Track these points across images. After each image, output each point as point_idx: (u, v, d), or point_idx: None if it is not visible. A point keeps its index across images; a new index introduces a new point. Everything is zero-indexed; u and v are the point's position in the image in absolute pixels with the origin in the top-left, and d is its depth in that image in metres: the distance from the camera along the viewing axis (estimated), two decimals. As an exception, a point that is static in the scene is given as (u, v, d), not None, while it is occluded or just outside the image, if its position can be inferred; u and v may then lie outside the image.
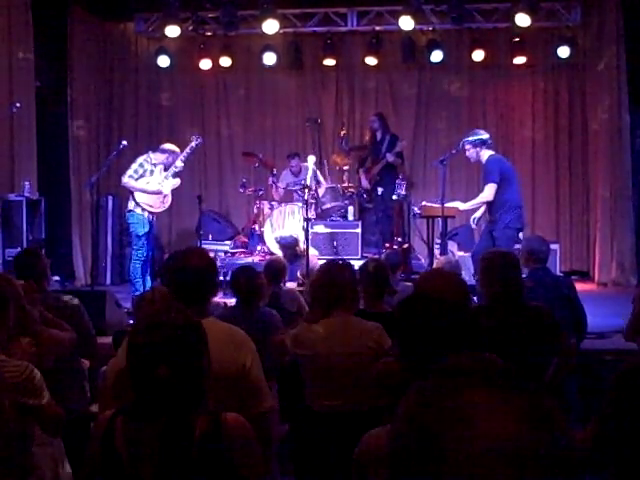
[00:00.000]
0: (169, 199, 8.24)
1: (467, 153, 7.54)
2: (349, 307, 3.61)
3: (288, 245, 8.68)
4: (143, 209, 8.03)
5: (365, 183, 10.12)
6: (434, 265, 6.15)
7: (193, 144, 8.42)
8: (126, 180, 8.09)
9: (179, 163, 8.29)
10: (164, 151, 8.27)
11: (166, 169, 8.24)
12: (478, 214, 7.70)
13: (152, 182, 8.12)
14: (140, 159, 8.20)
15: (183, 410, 2.03)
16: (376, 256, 8.19)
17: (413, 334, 2.17)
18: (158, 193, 8.11)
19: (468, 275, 6.93)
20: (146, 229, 8.06)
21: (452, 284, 2.92)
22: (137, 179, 8.06)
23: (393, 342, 2.33)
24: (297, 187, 9.45)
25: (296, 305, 5.34)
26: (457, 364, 1.17)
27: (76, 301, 4.34)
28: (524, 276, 5.32)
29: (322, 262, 4.75)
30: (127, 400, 2.60)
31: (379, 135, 10.11)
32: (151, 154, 8.27)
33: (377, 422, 3.30)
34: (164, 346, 2.04)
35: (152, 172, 8.16)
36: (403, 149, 10.07)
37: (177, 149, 8.31)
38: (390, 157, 9.80)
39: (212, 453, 2.02)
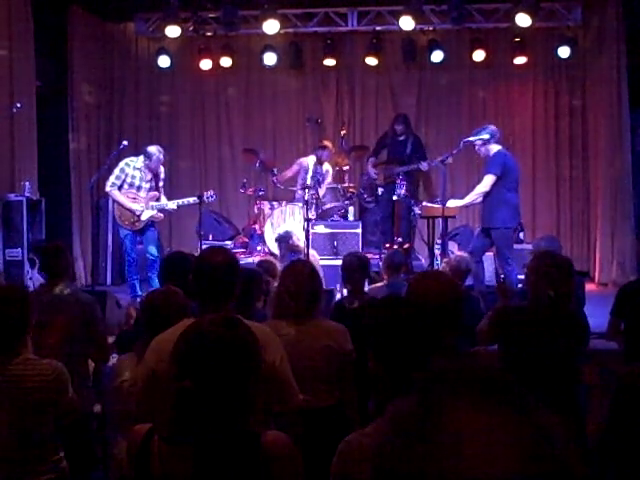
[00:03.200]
0: (141, 225, 8.13)
1: (477, 149, 7.53)
2: (317, 305, 3.67)
3: (280, 239, 8.68)
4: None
5: (372, 172, 9.98)
6: (445, 262, 6.15)
7: (205, 198, 8.30)
8: (109, 189, 8.07)
9: (172, 205, 8.23)
10: (144, 153, 8.15)
11: (153, 174, 8.17)
12: None
13: (138, 199, 8.08)
14: (121, 163, 8.16)
15: (217, 430, 1.90)
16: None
17: (381, 337, 2.17)
18: (136, 215, 8.07)
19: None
20: (125, 232, 8.12)
21: (445, 286, 2.92)
22: (120, 186, 8.02)
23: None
24: (298, 187, 9.50)
25: None
26: (439, 374, 0.92)
27: (91, 300, 4.43)
28: None
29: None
30: (157, 407, 2.57)
31: (402, 136, 10.00)
32: (133, 158, 8.21)
33: (338, 418, 3.39)
34: (197, 358, 1.93)
35: (134, 180, 8.06)
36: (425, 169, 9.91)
37: (156, 152, 8.12)
38: (424, 166, 9.47)
39: (250, 474, 1.91)
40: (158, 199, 8.20)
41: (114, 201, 8.06)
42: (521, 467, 0.81)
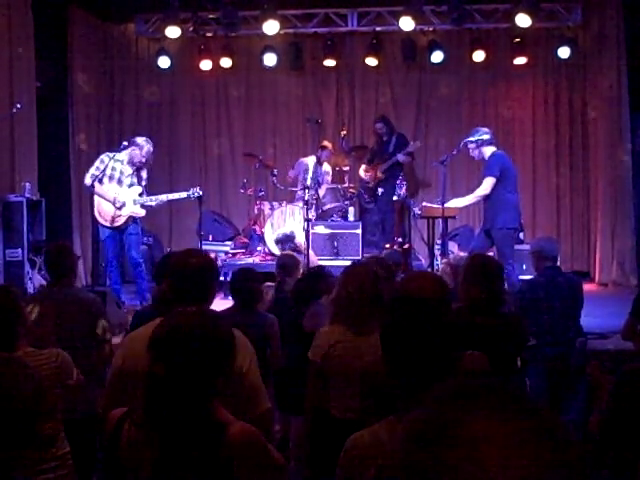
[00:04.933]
0: (122, 220, 7.81)
1: (471, 152, 7.53)
2: (374, 310, 3.52)
3: (284, 239, 8.68)
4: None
5: (365, 176, 10.08)
6: (445, 262, 6.15)
7: (190, 194, 7.88)
8: (88, 181, 7.70)
9: (164, 197, 7.96)
10: (133, 143, 7.82)
11: (136, 168, 7.85)
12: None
13: (121, 194, 7.78)
14: (102, 156, 7.90)
15: (184, 418, 1.98)
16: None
17: (393, 334, 2.17)
18: (117, 207, 7.76)
19: None
20: (105, 233, 7.85)
21: (434, 285, 2.92)
22: (100, 179, 7.68)
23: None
24: (299, 187, 9.53)
25: None
26: (455, 386, 0.96)
27: (98, 300, 4.46)
28: (536, 275, 5.38)
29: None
30: (124, 400, 2.61)
31: (386, 137, 10.07)
32: (115, 152, 7.88)
33: None
34: (170, 345, 2.01)
35: (114, 173, 7.73)
36: (416, 149, 9.97)
37: (144, 143, 7.85)
38: (401, 157, 9.69)
39: (212, 464, 1.97)
40: (141, 195, 7.90)
41: (93, 194, 7.66)
42: (537, 471, 0.84)
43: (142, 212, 7.95)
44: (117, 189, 7.81)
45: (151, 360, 2.03)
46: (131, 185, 7.89)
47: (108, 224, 7.83)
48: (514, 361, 3.66)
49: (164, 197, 8.08)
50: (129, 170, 7.88)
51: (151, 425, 1.99)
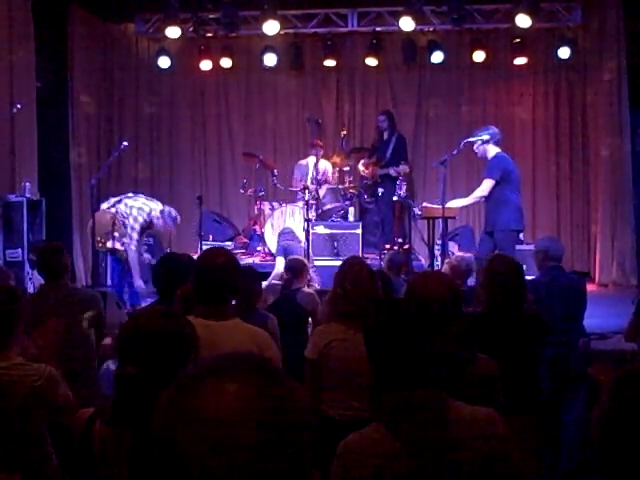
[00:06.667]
0: (103, 248, 7.80)
1: (475, 148, 7.51)
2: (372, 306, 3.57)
3: (285, 231, 8.70)
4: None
5: (363, 172, 10.08)
6: (447, 263, 6.14)
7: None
8: (104, 206, 7.77)
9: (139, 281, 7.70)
10: (165, 208, 7.80)
11: (145, 225, 7.76)
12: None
13: (111, 238, 7.66)
14: (145, 207, 7.73)
15: (152, 414, 2.03)
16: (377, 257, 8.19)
17: (372, 339, 2.20)
18: (102, 241, 7.71)
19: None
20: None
21: (445, 286, 2.92)
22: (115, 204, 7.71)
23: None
24: (298, 188, 9.54)
25: (311, 306, 5.32)
26: (202, 364, 1.13)
27: (97, 296, 4.49)
28: (538, 275, 5.38)
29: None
30: None
31: (386, 135, 10.08)
32: (151, 202, 7.83)
33: None
34: (136, 347, 2.08)
35: (129, 215, 7.69)
36: (405, 173, 9.94)
37: (170, 220, 7.79)
38: (393, 172, 9.67)
39: None
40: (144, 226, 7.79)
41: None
42: (254, 417, 1.02)
43: (122, 249, 7.71)
44: (120, 227, 7.68)
45: (120, 362, 2.11)
46: (126, 236, 7.70)
47: (95, 243, 7.76)
48: (536, 357, 3.74)
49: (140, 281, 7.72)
50: (140, 218, 7.76)
51: (122, 423, 2.05)
